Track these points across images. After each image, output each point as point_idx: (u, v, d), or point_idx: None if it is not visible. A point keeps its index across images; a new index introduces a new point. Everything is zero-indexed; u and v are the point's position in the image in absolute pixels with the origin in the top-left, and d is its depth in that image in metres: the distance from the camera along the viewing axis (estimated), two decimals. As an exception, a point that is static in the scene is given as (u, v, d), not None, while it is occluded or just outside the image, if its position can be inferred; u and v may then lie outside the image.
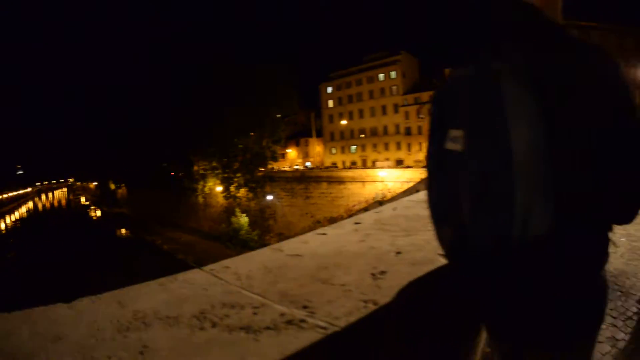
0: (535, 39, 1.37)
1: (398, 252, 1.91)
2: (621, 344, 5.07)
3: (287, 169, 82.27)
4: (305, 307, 1.25)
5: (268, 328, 1.11)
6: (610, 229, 1.45)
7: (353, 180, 55.03)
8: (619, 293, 6.97)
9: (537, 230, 1.19)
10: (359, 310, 1.28)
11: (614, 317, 5.82)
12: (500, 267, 1.35)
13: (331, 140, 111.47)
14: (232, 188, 55.52)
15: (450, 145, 1.37)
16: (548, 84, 1.25)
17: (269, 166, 60.70)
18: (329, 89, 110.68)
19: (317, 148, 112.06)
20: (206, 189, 58.02)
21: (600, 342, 4.98)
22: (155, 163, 65.91)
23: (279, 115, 60.91)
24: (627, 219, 1.44)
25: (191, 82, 56.76)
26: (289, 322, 1.14)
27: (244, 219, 51.12)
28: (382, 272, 1.63)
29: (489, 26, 1.53)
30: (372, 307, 1.30)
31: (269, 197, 57.46)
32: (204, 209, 61.11)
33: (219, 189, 57.12)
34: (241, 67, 55.34)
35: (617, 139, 1.27)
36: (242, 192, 55.36)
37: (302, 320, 1.16)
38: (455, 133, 1.36)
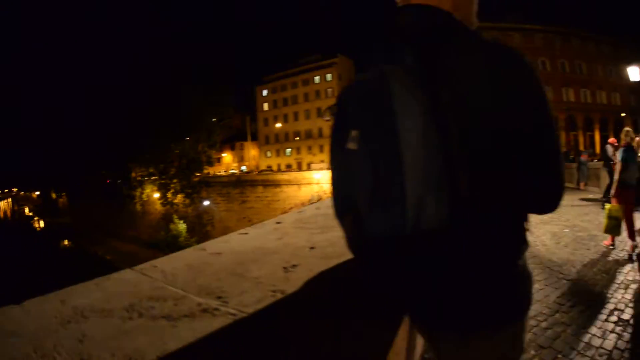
0: (434, 42, 1.41)
1: (312, 248, 2.06)
2: (571, 329, 5.64)
3: (222, 173, 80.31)
4: (219, 298, 1.40)
5: (186, 316, 1.27)
6: (525, 219, 1.51)
7: (289, 183, 53.86)
8: (565, 281, 7.67)
9: (431, 224, 1.23)
10: (267, 298, 1.43)
11: (561, 304, 6.53)
12: (399, 259, 1.42)
13: (266, 144, 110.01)
14: (169, 194, 53.97)
15: (350, 145, 1.36)
16: (443, 85, 1.30)
17: (205, 171, 59.42)
18: (264, 92, 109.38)
19: (252, 152, 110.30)
20: (144, 196, 56.52)
21: (549, 328, 5.68)
22: (93, 170, 64.36)
23: (214, 119, 60.06)
24: (542, 211, 1.52)
25: (127, 83, 55.57)
26: (204, 311, 1.29)
27: (182, 226, 49.69)
28: (294, 266, 1.79)
29: (386, 31, 1.59)
30: (279, 296, 1.45)
31: (206, 203, 55.84)
32: (143, 217, 59.22)
33: (157, 195, 55.88)
34: (177, 68, 54.50)
35: (517, 137, 1.33)
36: (179, 198, 53.88)
37: (216, 309, 1.31)
38: (354, 133, 1.35)
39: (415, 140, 1.22)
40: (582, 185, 26.63)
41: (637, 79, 25.86)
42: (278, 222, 2.75)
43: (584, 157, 28.38)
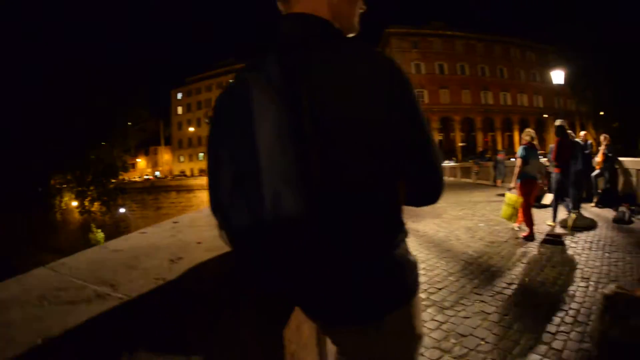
0: (301, 49, 1.49)
1: (199, 242, 2.21)
2: (493, 317, 6.02)
3: (137, 179, 79.24)
4: (112, 286, 1.55)
5: (84, 301, 1.41)
6: (399, 210, 1.58)
7: (202, 188, 52.58)
8: (481, 272, 8.22)
9: (289, 214, 1.29)
10: (150, 284, 1.59)
11: (480, 294, 6.98)
12: (267, 252, 1.44)
13: (179, 148, 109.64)
14: (86, 202, 52.57)
15: (220, 145, 1.50)
16: (303, 90, 1.37)
17: (120, 177, 58.12)
18: (179, 95, 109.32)
19: (165, 156, 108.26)
20: (62, 205, 54.97)
21: (468, 317, 6.02)
22: (12, 179, 61.33)
23: (129, 123, 58.78)
24: (421, 204, 1.65)
25: (39, 86, 53.49)
26: (99, 296, 1.44)
27: (99, 235, 48.12)
28: (179, 258, 1.94)
29: (266, 39, 1.68)
30: (161, 282, 1.61)
31: (122, 210, 55.02)
32: (64, 227, 56.03)
33: (75, 204, 54.33)
34: (92, 69, 52.96)
35: (382, 136, 1.41)
36: (96, 206, 52.50)
37: (108, 294, 1.46)
38: (222, 134, 1.50)
39: (271, 139, 1.31)
40: (498, 182, 27.93)
41: (561, 82, 26.85)
42: (175, 222, 2.92)
43: (500, 156, 29.65)
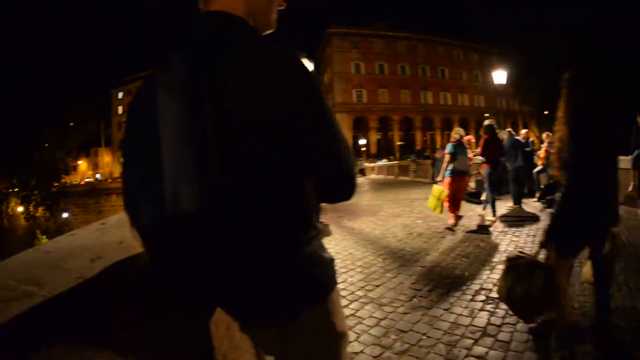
0: (211, 47, 1.46)
1: (120, 242, 2.29)
2: (433, 312, 5.89)
3: (78, 181, 77.49)
4: (39, 285, 1.65)
5: (15, 299, 1.52)
6: (308, 207, 1.54)
7: None
8: (420, 268, 8.12)
9: (188, 209, 1.32)
10: (71, 282, 1.69)
11: (418, 290, 6.87)
12: (167, 244, 1.44)
13: (120, 149, 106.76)
14: (31, 207, 51.08)
15: (130, 143, 1.56)
16: (209, 88, 1.36)
17: (62, 180, 56.66)
18: (120, 95, 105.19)
19: (106, 158, 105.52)
20: (9, 211, 53.53)
21: (407, 312, 5.92)
22: None
23: (71, 124, 57.60)
24: (333, 200, 1.61)
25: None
26: (26, 295, 1.56)
27: (44, 241, 46.88)
28: (99, 257, 2.01)
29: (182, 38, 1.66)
30: (80, 280, 1.71)
31: (65, 215, 53.09)
32: (11, 234, 54.06)
33: (20, 209, 52.98)
34: (29, 67, 51.64)
35: (287, 135, 1.38)
36: (40, 211, 50.86)
37: (34, 292, 1.57)
38: (131, 132, 1.55)
39: (173, 138, 1.34)
40: (437, 179, 28.10)
41: (503, 83, 27.29)
42: (102, 223, 3.00)
43: (438, 154, 30.04)
